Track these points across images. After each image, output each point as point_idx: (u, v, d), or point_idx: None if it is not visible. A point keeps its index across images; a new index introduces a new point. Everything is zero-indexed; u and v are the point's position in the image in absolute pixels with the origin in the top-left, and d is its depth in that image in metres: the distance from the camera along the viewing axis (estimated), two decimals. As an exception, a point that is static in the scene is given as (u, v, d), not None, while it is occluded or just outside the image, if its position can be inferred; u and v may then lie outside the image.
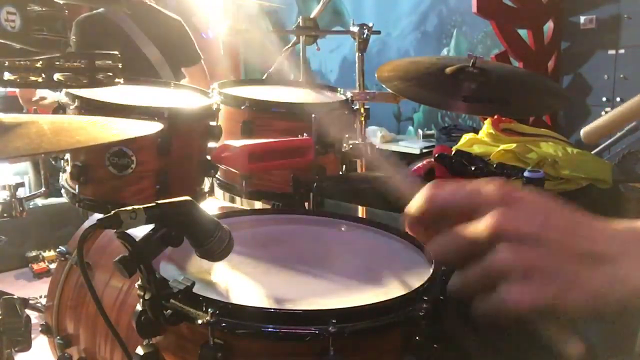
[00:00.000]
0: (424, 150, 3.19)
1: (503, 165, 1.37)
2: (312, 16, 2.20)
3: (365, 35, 2.03)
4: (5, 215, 1.73)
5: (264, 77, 2.56)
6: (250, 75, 5.30)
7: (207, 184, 1.52)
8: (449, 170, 1.37)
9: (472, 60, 1.67)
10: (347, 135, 1.68)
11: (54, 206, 3.40)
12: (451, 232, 0.50)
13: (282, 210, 1.42)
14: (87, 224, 1.43)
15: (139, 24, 2.57)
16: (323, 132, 1.48)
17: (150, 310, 0.79)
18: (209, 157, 1.46)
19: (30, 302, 2.17)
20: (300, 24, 2.14)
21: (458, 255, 0.49)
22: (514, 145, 1.46)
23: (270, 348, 0.77)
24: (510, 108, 1.66)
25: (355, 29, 2.04)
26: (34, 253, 3.34)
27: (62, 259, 1.44)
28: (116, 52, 1.07)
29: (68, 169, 1.39)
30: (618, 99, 2.64)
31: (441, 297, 0.83)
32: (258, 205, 1.85)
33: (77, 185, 1.36)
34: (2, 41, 0.82)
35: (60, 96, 1.37)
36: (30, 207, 3.21)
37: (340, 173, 1.65)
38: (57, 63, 0.98)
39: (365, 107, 2.05)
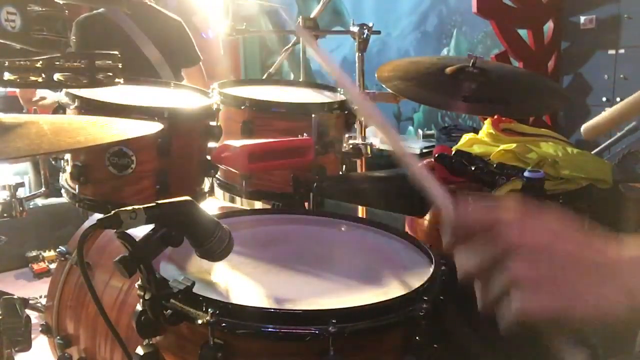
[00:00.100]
0: (424, 150, 3.18)
1: (503, 165, 1.37)
2: (312, 16, 2.20)
3: (365, 35, 2.03)
4: (5, 215, 1.73)
5: (264, 77, 2.56)
6: (250, 75, 5.30)
7: (207, 184, 1.52)
8: (449, 170, 1.37)
9: (472, 60, 1.67)
10: (347, 135, 1.68)
11: (54, 206, 3.40)
12: (475, 247, 0.54)
13: (282, 210, 1.42)
14: (87, 224, 1.43)
15: (139, 24, 2.57)
16: (323, 132, 1.48)
17: (150, 310, 0.79)
18: (209, 157, 1.46)
19: (30, 302, 2.17)
20: (300, 24, 2.14)
21: (479, 269, 0.53)
22: (514, 145, 1.45)
23: (270, 348, 0.77)
24: (510, 108, 1.66)
25: (355, 29, 2.04)
26: (34, 253, 3.34)
27: (62, 259, 1.44)
28: (116, 52, 1.07)
29: (68, 169, 1.39)
30: (618, 99, 2.63)
31: (441, 297, 0.83)
32: (258, 205, 1.85)
33: (77, 185, 1.36)
34: (2, 41, 0.82)
35: (60, 96, 1.37)
36: (30, 207, 3.20)
37: (340, 173, 1.65)
38: (57, 63, 0.98)
39: (365, 107, 2.04)
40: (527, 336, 0.52)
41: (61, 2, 0.91)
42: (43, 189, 2.01)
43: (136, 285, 0.82)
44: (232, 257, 0.88)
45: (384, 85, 1.67)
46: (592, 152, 1.66)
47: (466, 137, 1.61)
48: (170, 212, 0.81)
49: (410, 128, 4.06)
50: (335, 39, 4.36)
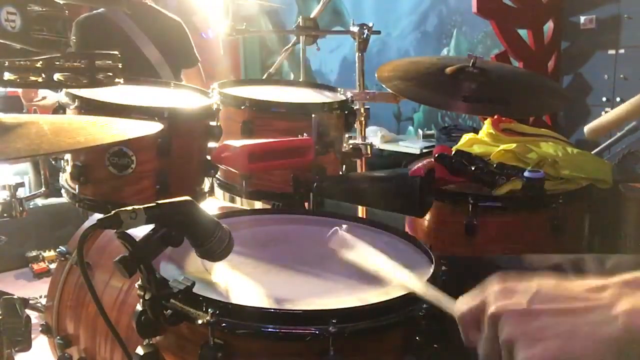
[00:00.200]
0: (424, 150, 3.18)
1: (503, 165, 1.38)
2: (312, 16, 2.20)
3: (365, 35, 2.03)
4: (5, 215, 1.73)
5: (264, 77, 2.56)
6: (250, 75, 5.30)
7: (207, 184, 1.52)
8: (449, 170, 1.37)
9: (472, 60, 1.67)
10: (347, 135, 1.68)
11: (54, 206, 3.39)
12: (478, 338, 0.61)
13: (282, 210, 1.42)
14: (87, 224, 1.43)
15: (138, 24, 2.57)
16: (323, 132, 1.48)
17: (150, 310, 0.79)
18: (209, 157, 1.46)
19: (30, 302, 2.17)
20: (300, 24, 2.14)
21: (490, 348, 0.59)
22: (514, 145, 1.46)
23: (270, 348, 0.77)
24: (510, 108, 1.66)
25: (355, 29, 2.04)
26: (34, 253, 3.34)
27: (62, 259, 1.44)
28: (116, 52, 1.07)
29: (68, 169, 1.39)
30: (618, 99, 2.64)
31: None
32: (258, 205, 1.85)
33: (77, 185, 1.36)
34: (2, 41, 0.82)
35: (61, 96, 1.37)
36: (30, 207, 3.20)
37: (340, 173, 1.65)
38: (57, 63, 0.98)
39: (365, 107, 2.05)
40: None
41: (61, 2, 0.91)
42: (43, 189, 2.01)
43: (136, 285, 0.82)
44: (232, 257, 0.88)
45: (384, 85, 1.67)
46: (592, 152, 1.66)
47: (466, 137, 1.61)
48: (170, 212, 0.81)
49: (410, 128, 4.06)
50: (335, 39, 4.37)
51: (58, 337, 1.36)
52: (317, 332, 0.74)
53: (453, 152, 1.42)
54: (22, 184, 1.79)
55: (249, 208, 1.90)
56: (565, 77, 2.92)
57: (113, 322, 0.85)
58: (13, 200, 1.73)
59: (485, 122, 1.64)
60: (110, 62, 1.05)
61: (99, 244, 1.36)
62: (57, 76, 0.99)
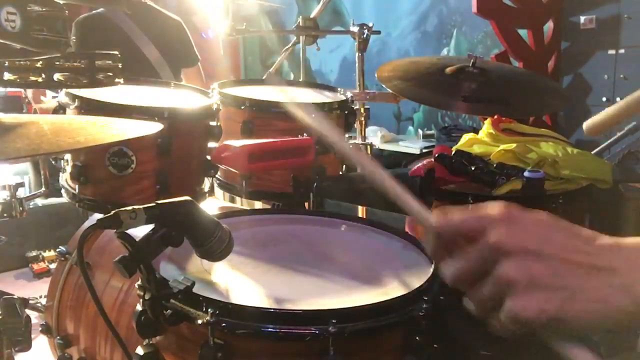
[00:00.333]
0: (424, 150, 3.18)
1: (503, 165, 1.37)
2: (312, 16, 2.20)
3: (365, 35, 2.03)
4: (5, 215, 1.73)
5: (264, 77, 2.56)
6: (250, 75, 5.30)
7: (207, 184, 1.52)
8: (449, 170, 1.37)
9: (472, 60, 1.67)
10: (347, 135, 1.68)
11: (54, 206, 3.40)
12: (461, 254, 0.53)
13: (282, 210, 1.42)
14: (87, 224, 1.43)
15: (138, 24, 2.57)
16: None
17: (150, 310, 0.79)
18: (209, 157, 1.46)
19: (30, 302, 2.17)
20: (300, 24, 2.14)
21: (469, 276, 0.52)
22: (514, 145, 1.45)
23: (270, 348, 0.77)
24: (510, 108, 1.66)
25: (355, 29, 2.04)
26: (34, 253, 3.34)
27: (62, 259, 1.44)
28: (116, 52, 1.07)
29: (68, 169, 1.39)
30: (618, 99, 2.63)
31: (441, 297, 0.83)
32: (258, 205, 1.85)
33: (77, 185, 1.36)
34: (2, 41, 0.82)
35: (61, 96, 1.37)
36: (30, 207, 3.20)
37: (340, 173, 1.65)
38: (57, 63, 0.98)
39: (365, 107, 2.05)
40: (527, 337, 0.52)
41: (61, 2, 0.91)
42: (43, 189, 2.01)
43: (136, 285, 0.82)
44: (232, 257, 0.88)
45: (384, 85, 1.67)
46: (592, 152, 1.66)
47: (466, 137, 1.61)
48: (170, 212, 0.81)
49: (410, 128, 4.06)
50: (335, 39, 4.37)
51: (58, 337, 1.36)
52: (317, 332, 0.74)
53: (453, 152, 1.41)
54: (22, 184, 1.79)
55: (249, 208, 1.89)
56: (565, 77, 2.92)
57: (113, 322, 0.85)
58: (13, 200, 1.73)
59: (485, 122, 1.63)
60: (110, 62, 1.05)
61: (99, 244, 1.36)
62: (57, 76, 0.99)
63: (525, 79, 1.92)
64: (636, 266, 0.47)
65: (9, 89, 3.32)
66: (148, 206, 0.79)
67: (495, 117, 1.62)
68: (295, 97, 1.65)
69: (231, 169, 1.40)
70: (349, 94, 1.69)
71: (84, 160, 1.34)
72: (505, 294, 0.49)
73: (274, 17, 4.78)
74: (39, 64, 0.96)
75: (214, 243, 0.84)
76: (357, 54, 2.07)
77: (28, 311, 1.14)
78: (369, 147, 1.84)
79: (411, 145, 3.46)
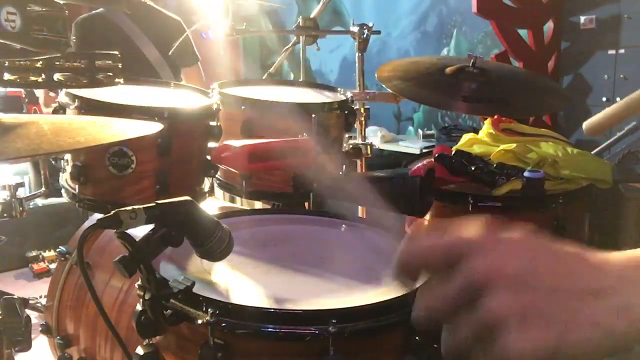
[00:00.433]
0: (424, 150, 3.18)
1: (503, 165, 1.37)
2: (312, 16, 2.20)
3: (365, 35, 2.03)
4: (5, 215, 1.73)
5: (264, 77, 2.56)
6: (250, 75, 5.30)
7: (207, 184, 1.52)
8: (449, 170, 1.37)
9: (472, 60, 1.67)
10: (347, 135, 1.68)
11: (54, 206, 3.40)
12: (434, 292, 0.47)
13: (282, 210, 1.42)
14: (87, 224, 1.43)
15: (138, 24, 2.57)
16: (323, 132, 1.48)
17: (150, 310, 0.79)
18: (209, 157, 1.46)
19: (30, 302, 2.17)
20: (300, 24, 2.14)
21: (447, 310, 0.46)
22: (514, 145, 1.46)
23: (270, 348, 0.77)
24: (510, 108, 1.66)
25: (355, 29, 2.04)
26: (34, 253, 3.34)
27: (62, 259, 1.44)
28: (116, 52, 1.07)
29: (68, 169, 1.39)
30: (618, 99, 2.63)
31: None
32: (258, 205, 1.85)
33: (77, 185, 1.36)
34: (2, 41, 0.82)
35: (61, 96, 1.37)
36: (30, 207, 3.20)
37: (340, 173, 1.65)
38: (57, 63, 0.98)
39: (365, 107, 2.05)
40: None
41: (61, 2, 0.91)
42: (43, 189, 2.01)
43: (136, 285, 0.82)
44: (232, 257, 0.88)
45: (384, 85, 1.67)
46: (592, 152, 1.66)
47: (466, 137, 1.61)
48: (170, 212, 0.81)
49: (410, 128, 4.06)
50: (335, 39, 4.37)
51: (58, 337, 1.36)
52: (317, 332, 0.74)
53: (453, 152, 1.41)
54: (22, 184, 1.79)
55: (249, 208, 1.89)
56: (565, 77, 2.92)
57: (113, 322, 0.85)
58: (13, 200, 1.73)
59: (485, 122, 1.63)
60: (110, 62, 1.05)
61: (99, 244, 1.36)
62: (57, 76, 0.99)
63: (525, 79, 1.92)
64: (630, 286, 0.44)
65: (9, 89, 3.32)
66: (148, 206, 0.79)
67: (495, 117, 1.62)
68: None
69: (231, 169, 1.40)
70: (349, 94, 1.69)
71: (84, 160, 1.34)
72: (492, 333, 0.43)
73: (274, 17, 4.78)
74: (39, 64, 0.96)
75: (214, 243, 0.84)
76: (357, 54, 2.07)
77: (28, 311, 1.14)
78: (369, 147, 1.84)
79: (411, 145, 3.47)
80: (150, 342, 0.84)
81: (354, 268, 0.99)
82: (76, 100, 1.32)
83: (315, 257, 1.03)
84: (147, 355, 0.82)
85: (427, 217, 1.44)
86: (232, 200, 2.34)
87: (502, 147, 1.46)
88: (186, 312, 0.77)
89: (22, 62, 0.94)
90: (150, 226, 0.80)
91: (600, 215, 1.47)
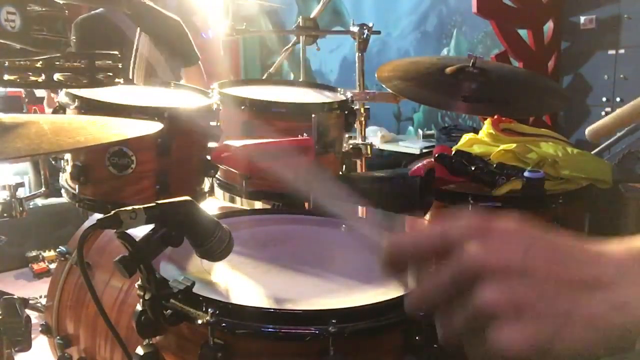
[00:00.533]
0: (424, 150, 3.18)
1: (503, 165, 1.38)
2: (312, 16, 2.20)
3: (365, 35, 2.03)
4: (5, 215, 1.73)
5: (264, 77, 2.56)
6: (250, 75, 5.30)
7: (207, 184, 1.52)
8: (449, 170, 1.37)
9: (472, 60, 1.67)
10: (347, 135, 1.68)
11: (54, 206, 3.40)
12: (427, 280, 0.46)
13: (282, 210, 1.42)
14: (87, 224, 1.43)
15: (138, 24, 2.57)
16: (323, 132, 1.48)
17: (150, 310, 0.79)
18: (209, 157, 1.46)
19: (30, 302, 2.17)
20: (300, 24, 2.14)
21: (438, 301, 0.46)
22: (514, 145, 1.46)
23: (270, 348, 0.77)
24: (510, 108, 1.66)
25: (355, 29, 2.04)
26: (34, 253, 3.34)
27: (62, 259, 1.44)
28: (116, 52, 1.07)
29: (68, 169, 1.39)
30: (618, 99, 2.64)
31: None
32: (258, 205, 1.85)
33: (77, 185, 1.36)
34: (2, 41, 0.82)
35: (61, 96, 1.37)
36: (30, 207, 3.20)
37: (340, 173, 1.65)
38: (57, 63, 0.98)
39: (365, 107, 2.05)
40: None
41: (61, 2, 0.91)
42: (43, 189, 2.00)
43: (136, 285, 0.82)
44: (232, 257, 0.88)
45: (384, 85, 1.67)
46: (592, 152, 1.66)
47: (466, 137, 1.61)
48: (170, 212, 0.81)
49: (410, 128, 4.06)
50: (335, 39, 4.37)
51: (58, 337, 1.36)
52: (317, 332, 0.74)
53: (453, 152, 1.42)
54: (22, 184, 1.79)
55: (249, 208, 1.89)
56: (565, 77, 2.92)
57: (113, 322, 0.85)
58: (13, 200, 1.73)
59: (485, 122, 1.63)
60: (110, 62, 1.05)
61: (99, 244, 1.36)
62: (57, 76, 0.99)
63: (525, 79, 1.92)
64: (629, 280, 0.42)
65: (9, 89, 3.33)
66: (148, 206, 0.79)
67: (495, 117, 1.62)
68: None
69: (231, 169, 1.40)
70: (349, 94, 1.69)
71: (84, 160, 1.34)
72: (486, 324, 0.42)
73: (274, 17, 4.78)
74: (39, 64, 0.96)
75: (214, 243, 0.84)
76: (357, 54, 2.07)
77: (28, 311, 1.14)
78: (369, 147, 1.84)
79: (411, 145, 3.47)
80: (150, 342, 0.84)
81: (354, 268, 0.99)
82: (76, 100, 1.32)
83: (315, 257, 1.03)
84: (147, 355, 0.82)
85: (427, 217, 1.44)
86: (232, 200, 2.34)
87: (502, 147, 1.46)
88: (186, 312, 0.77)
89: (22, 62, 0.94)
90: (150, 226, 0.80)
91: (600, 215, 1.47)
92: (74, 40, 2.45)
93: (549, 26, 2.88)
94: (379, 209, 1.48)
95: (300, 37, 2.20)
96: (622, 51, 2.64)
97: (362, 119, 2.02)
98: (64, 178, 1.44)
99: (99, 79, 1.03)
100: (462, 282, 0.43)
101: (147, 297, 0.79)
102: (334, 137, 1.57)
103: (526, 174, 1.30)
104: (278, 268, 0.97)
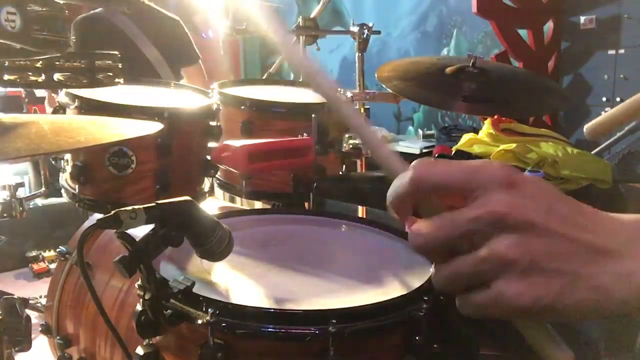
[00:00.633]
0: (424, 150, 3.18)
1: (503, 165, 1.37)
2: (312, 16, 2.20)
3: (365, 35, 2.03)
4: (5, 215, 1.73)
5: (264, 77, 2.56)
6: (250, 75, 5.30)
7: (207, 184, 1.52)
8: (449, 170, 1.37)
9: (472, 60, 1.67)
10: (347, 135, 1.68)
11: (54, 206, 3.40)
12: (442, 217, 0.45)
13: (282, 210, 1.42)
14: (87, 224, 1.43)
15: (137, 24, 2.57)
16: (323, 132, 1.48)
17: (150, 310, 0.79)
18: (209, 157, 1.46)
19: (30, 302, 2.17)
20: (300, 24, 2.14)
21: (448, 244, 0.45)
22: (514, 145, 1.45)
23: (270, 348, 0.77)
24: (510, 108, 1.66)
25: (355, 29, 2.04)
26: (34, 253, 3.34)
27: (62, 259, 1.44)
28: (116, 52, 1.07)
29: (68, 169, 1.39)
30: (618, 99, 2.64)
31: (441, 297, 0.83)
32: (258, 205, 1.85)
33: (77, 185, 1.36)
34: (2, 41, 0.82)
35: (61, 96, 1.37)
36: (30, 207, 3.20)
37: (340, 173, 1.65)
38: (57, 63, 0.98)
39: (365, 107, 2.05)
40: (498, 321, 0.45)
41: (61, 2, 0.91)
42: (43, 189, 2.01)
43: (136, 285, 0.82)
44: (232, 257, 0.88)
45: (384, 85, 1.67)
46: (592, 152, 1.66)
47: (466, 137, 1.61)
48: (170, 212, 0.81)
49: (410, 128, 4.06)
50: (335, 39, 4.36)
51: (58, 337, 1.36)
52: (317, 332, 0.74)
53: (453, 152, 1.42)
54: (22, 184, 1.79)
55: (249, 208, 1.89)
56: (565, 77, 2.92)
57: (113, 322, 0.85)
58: (13, 200, 1.73)
59: (485, 122, 1.63)
60: (110, 62, 1.05)
61: (99, 244, 1.36)
62: (57, 76, 0.99)
63: (525, 79, 1.92)
64: (636, 251, 0.43)
65: (9, 89, 3.32)
66: (148, 206, 0.79)
67: (495, 117, 1.62)
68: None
69: (231, 169, 1.40)
70: (349, 94, 1.69)
71: (84, 160, 1.34)
72: (495, 273, 0.42)
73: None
74: (39, 64, 0.96)
75: (214, 243, 0.84)
76: (357, 54, 2.07)
77: (28, 311, 1.14)
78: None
79: (411, 145, 3.46)
80: (150, 342, 0.84)
81: (354, 268, 0.99)
82: (76, 100, 1.32)
83: (315, 257, 1.03)
84: (147, 355, 0.82)
85: (427, 217, 1.43)
86: (232, 200, 2.34)
87: (502, 147, 1.46)
88: (186, 312, 0.77)
89: (22, 62, 0.94)
90: (150, 226, 0.80)
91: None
92: (74, 40, 2.45)
93: (549, 26, 2.88)
94: (379, 209, 1.48)
95: (300, 37, 2.20)
96: (622, 51, 2.64)
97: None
98: (64, 178, 1.44)
99: (99, 79, 1.03)
100: (481, 227, 0.43)
101: (147, 297, 0.79)
102: (334, 137, 1.57)
103: (526, 174, 1.30)
104: (278, 268, 0.97)
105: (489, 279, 0.43)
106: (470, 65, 1.67)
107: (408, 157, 1.82)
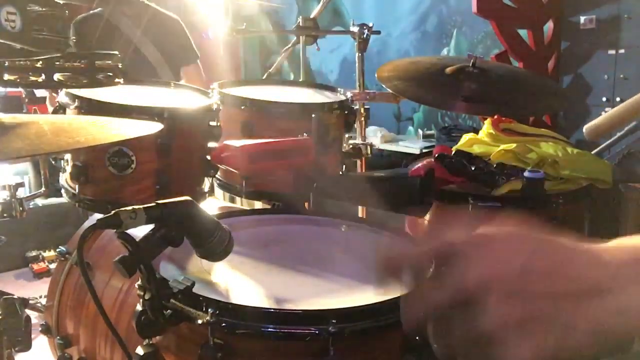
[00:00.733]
0: (424, 150, 3.18)
1: (503, 165, 1.38)
2: (312, 16, 2.20)
3: (365, 35, 2.03)
4: (5, 215, 1.73)
5: (264, 77, 2.56)
6: (250, 75, 5.30)
7: (207, 184, 1.52)
8: (449, 170, 1.37)
9: (472, 60, 1.67)
10: (347, 135, 1.68)
11: (54, 206, 3.40)
12: (425, 290, 0.47)
13: (282, 210, 1.42)
14: (87, 224, 1.43)
15: (137, 24, 2.57)
16: (323, 132, 1.48)
17: (150, 310, 0.79)
18: (209, 157, 1.46)
19: (30, 302, 2.16)
20: (300, 24, 2.14)
21: (437, 314, 0.46)
22: (514, 145, 1.46)
23: (270, 348, 0.77)
24: (510, 108, 1.66)
25: (355, 29, 2.04)
26: (34, 253, 3.34)
27: (62, 259, 1.44)
28: (116, 52, 1.07)
29: (68, 169, 1.39)
30: (618, 99, 2.64)
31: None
32: (258, 205, 1.85)
33: (77, 185, 1.36)
34: (2, 41, 0.82)
35: (61, 96, 1.37)
36: (30, 207, 3.20)
37: (340, 173, 1.65)
38: (57, 63, 0.98)
39: (365, 107, 2.05)
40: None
41: (61, 2, 0.91)
42: (43, 189, 2.00)
43: (136, 285, 0.82)
44: (232, 257, 0.88)
45: (384, 85, 1.67)
46: (592, 152, 1.66)
47: (466, 137, 1.61)
48: (170, 212, 0.81)
49: (410, 128, 4.06)
50: (335, 39, 4.37)
51: (58, 337, 1.36)
52: (317, 332, 0.74)
53: (453, 152, 1.42)
54: (22, 184, 1.79)
55: (249, 208, 1.89)
56: (565, 77, 2.92)
57: (113, 322, 0.85)
58: (13, 200, 1.72)
59: (485, 122, 1.63)
60: (110, 62, 1.05)
61: (99, 244, 1.36)
62: (57, 76, 0.99)
63: (525, 79, 1.92)
64: (629, 285, 0.42)
65: (9, 89, 3.32)
66: (148, 206, 0.79)
67: (495, 117, 1.62)
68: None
69: (231, 169, 1.40)
70: (349, 94, 1.69)
71: (84, 160, 1.34)
72: (490, 341, 0.42)
73: (274, 17, 4.78)
74: (39, 64, 0.96)
75: (214, 243, 0.84)
76: (357, 54, 2.07)
77: (28, 311, 1.14)
78: (369, 147, 1.84)
79: (411, 145, 3.47)
80: (150, 342, 0.84)
81: (354, 268, 0.99)
82: (76, 100, 1.32)
83: (315, 257, 1.03)
84: (147, 355, 0.82)
85: (427, 217, 1.44)
86: (232, 200, 2.34)
87: (502, 147, 1.46)
88: (186, 312, 0.77)
89: (22, 62, 0.94)
90: (150, 226, 0.80)
91: (600, 215, 1.47)
92: (73, 40, 2.45)
93: (549, 26, 2.88)
94: (379, 209, 1.48)
95: (300, 37, 2.20)
96: (622, 51, 2.64)
97: (362, 119, 2.02)
98: (64, 178, 1.44)
99: (99, 79, 1.03)
100: (461, 298, 0.43)
101: (147, 297, 0.79)
102: (334, 137, 1.57)
103: (526, 174, 1.30)
104: (278, 268, 0.97)
105: (489, 346, 0.43)
106: (470, 65, 1.67)
107: (408, 157, 1.82)
